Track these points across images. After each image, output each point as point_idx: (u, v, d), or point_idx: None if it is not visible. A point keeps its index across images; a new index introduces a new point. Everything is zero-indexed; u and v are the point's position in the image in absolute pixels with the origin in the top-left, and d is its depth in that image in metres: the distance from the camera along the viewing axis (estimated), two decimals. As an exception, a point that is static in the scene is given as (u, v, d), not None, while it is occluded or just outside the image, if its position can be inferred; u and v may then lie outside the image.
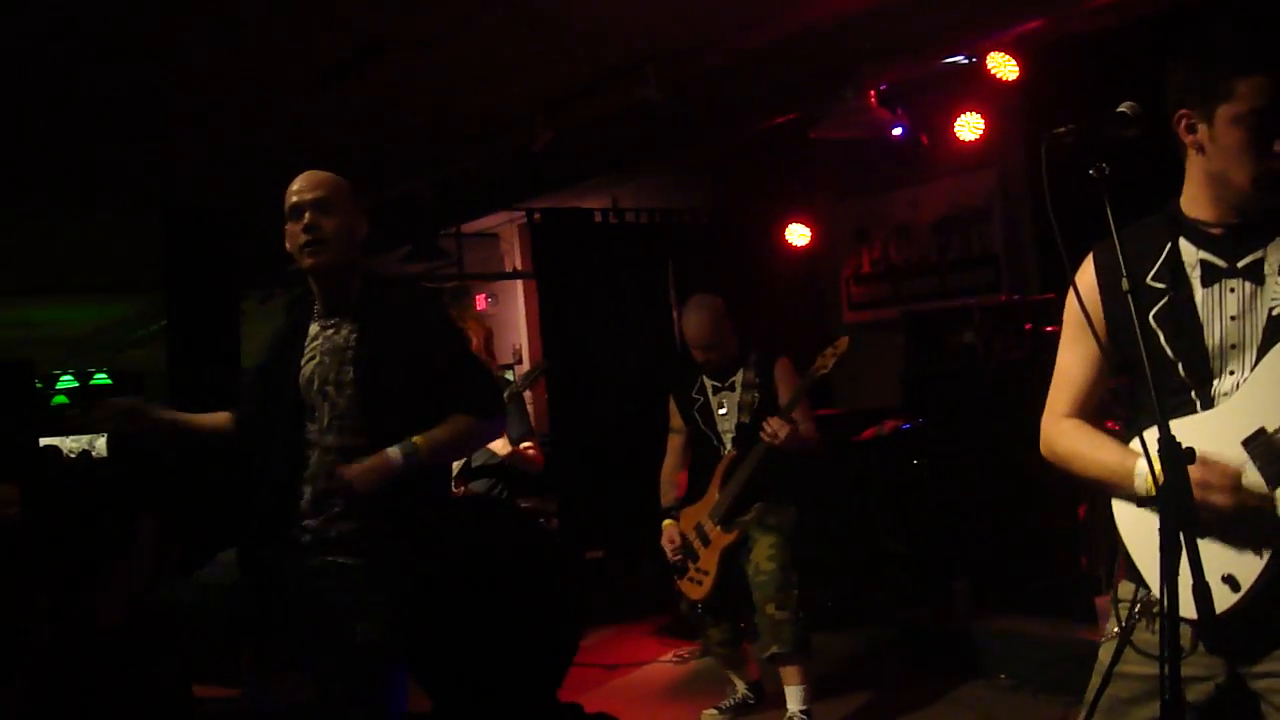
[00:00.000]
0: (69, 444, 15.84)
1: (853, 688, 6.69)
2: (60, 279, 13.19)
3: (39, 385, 16.03)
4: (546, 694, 1.72)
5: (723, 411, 6.22)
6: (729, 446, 6.17)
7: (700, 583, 6.14)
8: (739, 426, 6.14)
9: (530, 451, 6.32)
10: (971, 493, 7.45)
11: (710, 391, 6.29)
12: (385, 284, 4.16)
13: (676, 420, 6.44)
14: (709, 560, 6.11)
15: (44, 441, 13.38)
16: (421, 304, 4.12)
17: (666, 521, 6.30)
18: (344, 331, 4.02)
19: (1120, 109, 2.60)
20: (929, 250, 9.26)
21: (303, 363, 4.05)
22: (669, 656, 7.97)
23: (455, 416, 3.97)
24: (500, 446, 6.06)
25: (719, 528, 6.08)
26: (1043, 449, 3.01)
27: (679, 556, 6.18)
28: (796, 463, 6.12)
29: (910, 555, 7.64)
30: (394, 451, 3.83)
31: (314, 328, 4.11)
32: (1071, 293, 2.84)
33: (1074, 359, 2.95)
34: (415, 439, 3.86)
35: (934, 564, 7.42)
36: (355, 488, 3.78)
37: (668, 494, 6.44)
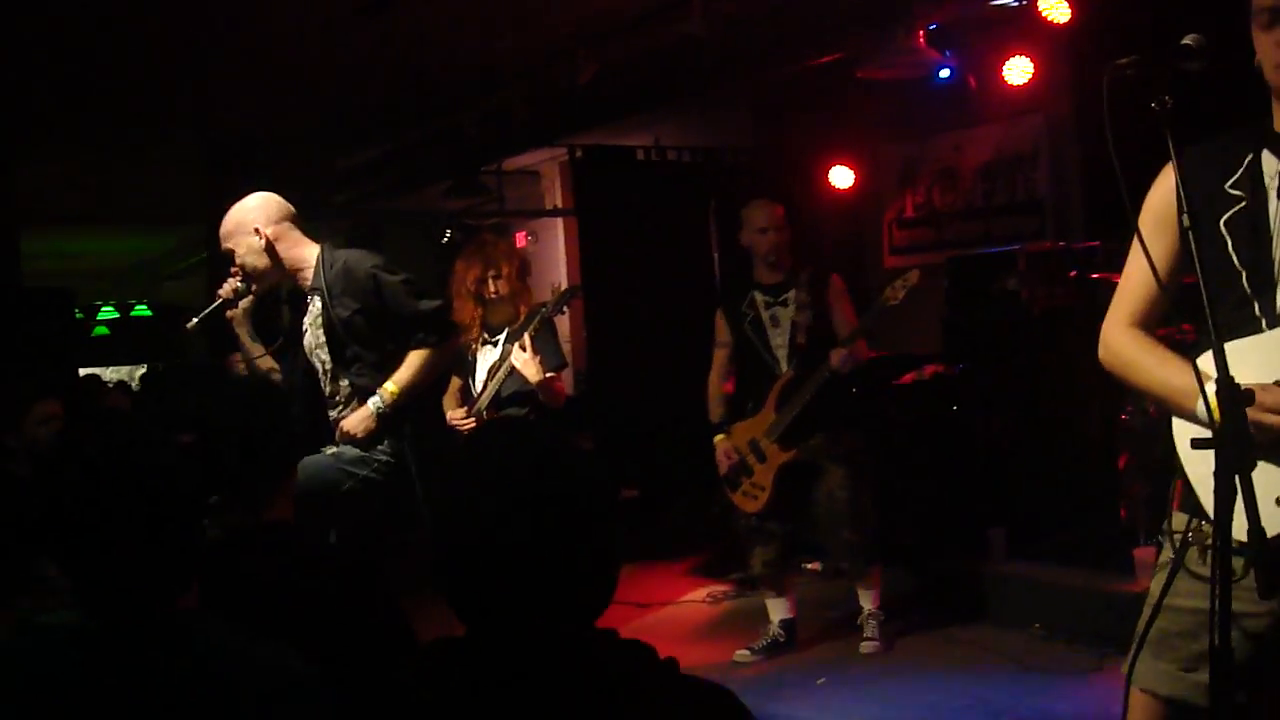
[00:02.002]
0: (108, 374, 15.93)
1: (885, 633, 6.67)
2: (102, 211, 13.23)
3: (79, 315, 16.08)
4: (583, 622, 1.70)
5: (776, 327, 6.31)
6: (784, 365, 6.30)
7: (756, 497, 6.35)
8: (795, 347, 6.25)
9: (556, 384, 6.29)
10: (1010, 440, 7.40)
11: (762, 307, 6.38)
12: (337, 250, 4.98)
13: (723, 334, 6.54)
14: (765, 476, 6.30)
15: (83, 371, 13.47)
16: (354, 266, 4.84)
17: (719, 436, 6.48)
18: (317, 303, 4.91)
19: (1185, 41, 2.53)
20: (974, 195, 9.16)
21: (304, 332, 4.97)
22: (701, 596, 7.97)
23: (412, 354, 4.85)
24: (533, 374, 6.02)
25: (775, 445, 6.26)
26: (1101, 354, 2.93)
27: (733, 468, 6.39)
28: (852, 386, 6.34)
29: (947, 502, 7.60)
30: (373, 401, 4.81)
31: (308, 301, 4.97)
32: (1148, 198, 2.78)
33: (1144, 264, 2.79)
34: (388, 385, 4.81)
35: (970, 511, 7.37)
36: (353, 435, 4.82)
37: (715, 409, 6.58)
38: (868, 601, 6.49)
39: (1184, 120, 2.47)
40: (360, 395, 4.89)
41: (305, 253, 4.96)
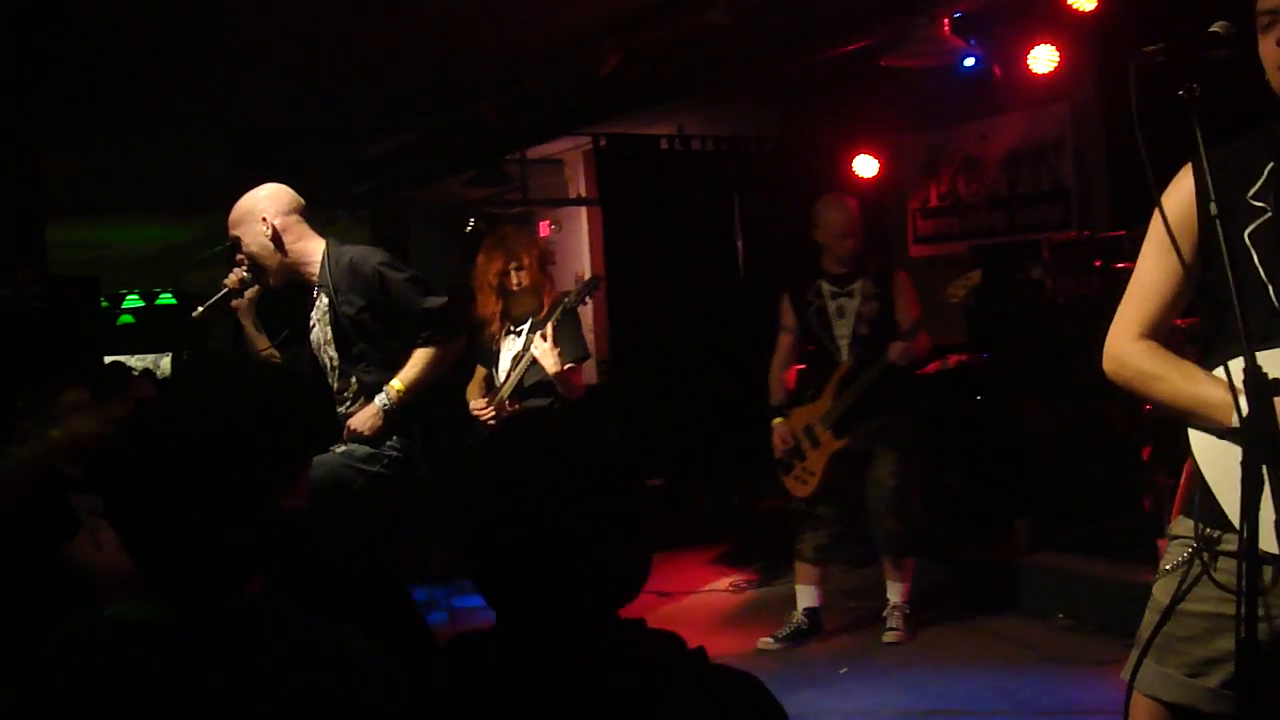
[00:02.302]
0: (133, 362, 15.96)
1: (909, 625, 6.67)
2: (127, 200, 13.25)
3: (105, 304, 16.12)
4: (609, 611, 1.71)
5: (840, 317, 6.39)
6: (845, 354, 6.39)
7: (806, 482, 6.47)
8: (858, 337, 6.35)
9: (574, 376, 6.29)
10: (1035, 430, 7.39)
11: (828, 296, 6.46)
12: (343, 246, 4.97)
13: (788, 318, 6.63)
14: (817, 462, 6.42)
15: (109, 359, 13.50)
16: (359, 263, 4.85)
17: (776, 420, 6.57)
18: (324, 300, 4.92)
19: (1213, 28, 2.50)
20: (998, 184, 9.12)
21: (310, 329, 5.00)
22: (724, 585, 7.98)
23: (418, 351, 4.86)
24: (551, 365, 6.03)
25: (829, 433, 6.38)
26: (1108, 365, 2.82)
27: (787, 452, 6.52)
28: (906, 374, 6.48)
29: (971, 491, 7.58)
30: (379, 398, 4.80)
31: (315, 297, 4.98)
32: (1164, 201, 2.68)
33: (1157, 273, 2.75)
34: (394, 383, 4.81)
35: (994, 501, 7.37)
36: (360, 432, 4.80)
37: (776, 392, 6.67)
38: (895, 594, 6.55)
39: (1212, 109, 2.45)
40: (368, 392, 4.88)
41: (311, 246, 4.96)
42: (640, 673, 1.78)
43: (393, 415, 4.81)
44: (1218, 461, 2.59)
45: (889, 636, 6.45)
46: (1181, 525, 2.76)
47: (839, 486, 6.47)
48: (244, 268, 4.99)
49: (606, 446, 1.86)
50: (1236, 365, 2.38)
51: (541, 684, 1.76)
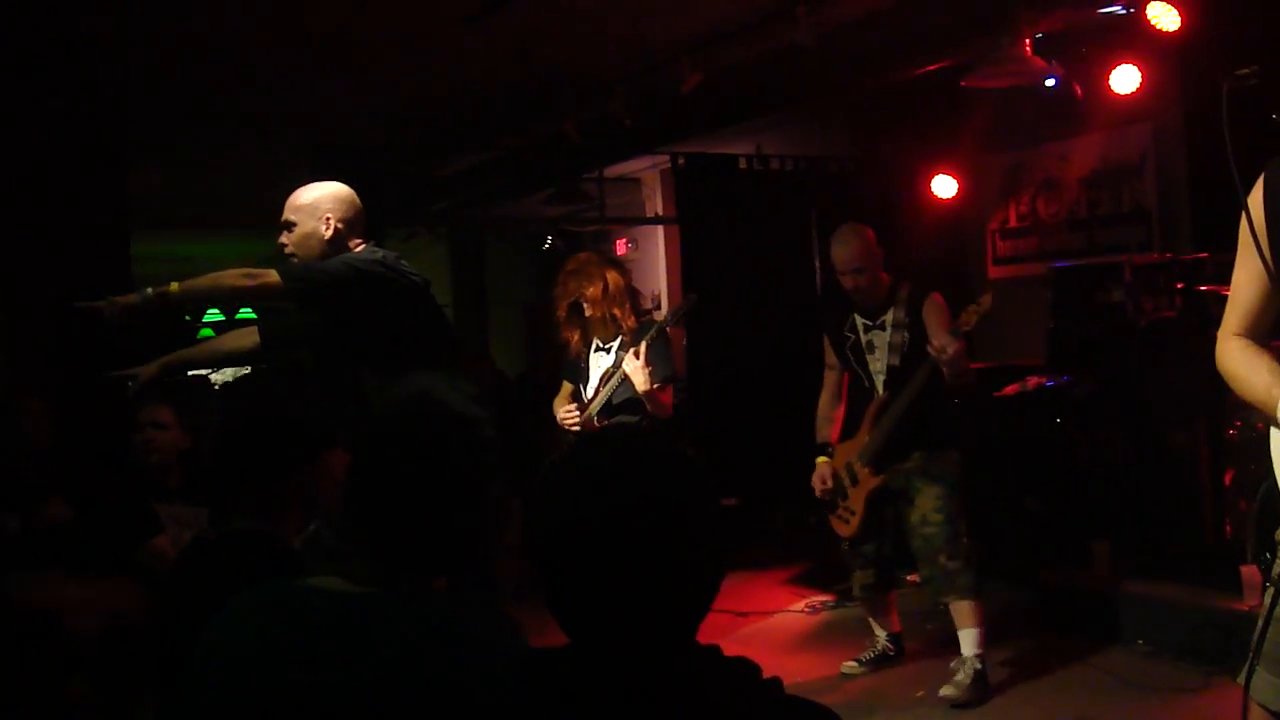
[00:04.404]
0: (215, 376, 16.12)
1: (987, 646, 6.62)
2: (209, 214, 13.43)
3: (187, 318, 16.33)
4: (684, 634, 1.70)
5: (874, 352, 6.18)
6: (880, 389, 6.14)
7: (847, 521, 6.25)
8: (890, 370, 6.10)
9: (663, 396, 6.31)
10: (1115, 454, 7.31)
11: (861, 330, 6.24)
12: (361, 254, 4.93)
13: (830, 357, 6.44)
14: (856, 500, 6.19)
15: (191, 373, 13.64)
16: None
17: (820, 459, 6.35)
18: None
19: (1308, 51, 2.49)
20: (1078, 205, 9.06)
21: None
22: (800, 606, 7.96)
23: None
24: (641, 383, 6.04)
25: (867, 469, 6.13)
26: (1218, 365, 2.91)
27: (827, 494, 6.27)
28: (949, 405, 6.18)
29: (1050, 515, 7.52)
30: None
31: None
32: (1249, 202, 2.72)
33: (1244, 277, 2.82)
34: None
35: (1074, 525, 7.29)
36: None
37: (823, 430, 6.45)
38: (969, 645, 5.99)
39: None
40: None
41: (355, 254, 4.93)
42: (713, 702, 1.77)
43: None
44: None
45: (946, 691, 5.92)
46: None
47: (883, 525, 6.22)
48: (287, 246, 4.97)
49: (679, 465, 1.86)
50: None
51: (615, 711, 1.75)
